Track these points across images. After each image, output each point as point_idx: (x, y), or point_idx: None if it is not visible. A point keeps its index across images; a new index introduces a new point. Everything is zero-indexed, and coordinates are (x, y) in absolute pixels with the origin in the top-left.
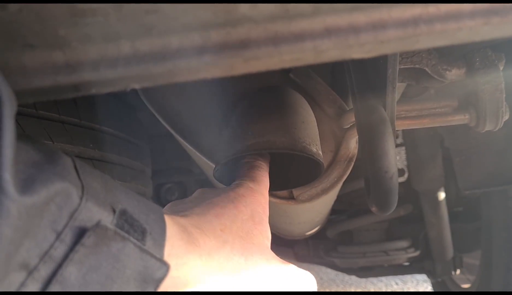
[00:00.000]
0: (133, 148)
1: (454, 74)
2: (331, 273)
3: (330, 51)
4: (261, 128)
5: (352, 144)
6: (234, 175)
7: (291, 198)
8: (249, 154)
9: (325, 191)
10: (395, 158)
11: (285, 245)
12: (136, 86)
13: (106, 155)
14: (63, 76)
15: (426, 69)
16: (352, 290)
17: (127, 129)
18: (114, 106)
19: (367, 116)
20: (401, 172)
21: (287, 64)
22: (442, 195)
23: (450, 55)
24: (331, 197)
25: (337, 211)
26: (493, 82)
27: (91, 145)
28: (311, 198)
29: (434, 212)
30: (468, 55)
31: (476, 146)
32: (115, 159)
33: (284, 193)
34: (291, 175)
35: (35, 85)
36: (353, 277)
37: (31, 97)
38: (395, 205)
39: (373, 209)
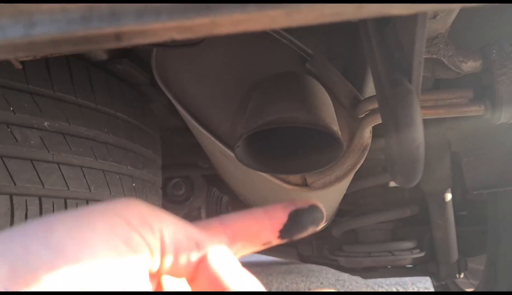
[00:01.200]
0: (145, 137)
1: (470, 66)
2: (331, 278)
3: (371, 7)
4: (284, 105)
5: (366, 134)
6: (255, 155)
7: (304, 185)
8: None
9: (338, 179)
10: (422, 128)
11: (288, 245)
12: (178, 36)
13: (120, 140)
14: (106, 24)
15: (443, 59)
16: None
17: (140, 117)
18: (129, 93)
19: (393, 88)
20: None
21: (327, 19)
22: (449, 197)
23: (466, 47)
24: (342, 187)
25: (343, 212)
26: (509, 73)
27: (105, 129)
28: (324, 186)
29: (441, 214)
30: (484, 47)
31: (485, 146)
32: (128, 146)
33: (297, 179)
34: (306, 159)
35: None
36: (354, 283)
37: (73, 46)
38: (420, 176)
39: (398, 180)
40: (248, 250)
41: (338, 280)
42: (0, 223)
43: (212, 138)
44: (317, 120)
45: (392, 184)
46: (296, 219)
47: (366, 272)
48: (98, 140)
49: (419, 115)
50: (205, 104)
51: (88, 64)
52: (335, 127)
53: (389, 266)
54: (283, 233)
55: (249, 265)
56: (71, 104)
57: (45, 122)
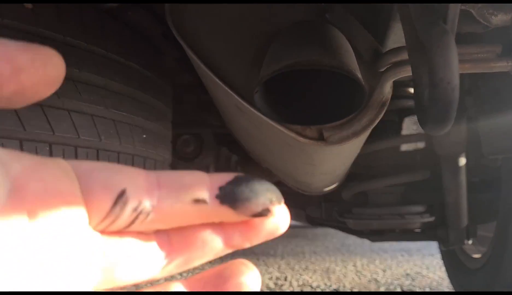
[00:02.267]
0: (157, 89)
1: (499, 19)
2: (337, 243)
3: None
4: (306, 49)
5: (387, 89)
6: (272, 105)
7: (320, 139)
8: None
9: (356, 134)
10: (458, 71)
11: (297, 207)
12: None
13: (131, 90)
14: None
15: (472, 11)
16: (357, 260)
17: (152, 69)
18: (141, 44)
19: (428, 30)
20: (419, 137)
21: None
22: (463, 161)
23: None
24: (358, 144)
25: (354, 175)
26: None
27: (117, 78)
28: (341, 141)
29: (453, 178)
30: None
31: (503, 110)
32: (140, 96)
33: (313, 133)
34: (325, 111)
35: None
36: (358, 248)
37: None
38: (453, 121)
39: (429, 126)
40: (171, 202)
41: (344, 244)
42: None
43: (227, 90)
44: (341, 64)
45: (404, 147)
46: (244, 182)
47: (374, 235)
48: (109, 89)
49: (455, 57)
50: (220, 56)
51: (100, 11)
52: (359, 74)
53: (398, 230)
54: (224, 191)
55: None
56: (81, 51)
57: None
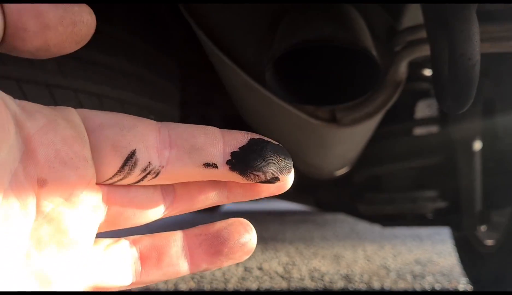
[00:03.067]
0: (164, 68)
1: None
2: (346, 228)
3: None
4: (320, 25)
5: (402, 68)
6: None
7: (332, 120)
8: (305, 47)
9: (369, 116)
10: (479, 46)
11: (307, 192)
12: None
13: (138, 70)
14: None
15: None
16: (366, 246)
17: (159, 47)
18: (148, 21)
19: (448, 3)
20: (433, 121)
21: None
22: (478, 145)
23: None
24: (371, 126)
25: (366, 159)
26: None
27: (123, 57)
28: (354, 122)
29: (468, 162)
30: None
31: None
32: (147, 76)
33: (325, 114)
34: (337, 91)
35: None
36: (368, 234)
37: None
38: (472, 99)
39: (448, 104)
40: (181, 165)
41: (353, 230)
42: None
43: (237, 69)
44: (356, 41)
45: (418, 131)
46: (258, 147)
47: (386, 220)
48: (116, 68)
49: (477, 32)
50: (228, 32)
51: None
52: (374, 52)
53: (410, 216)
54: (236, 157)
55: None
56: None
57: None
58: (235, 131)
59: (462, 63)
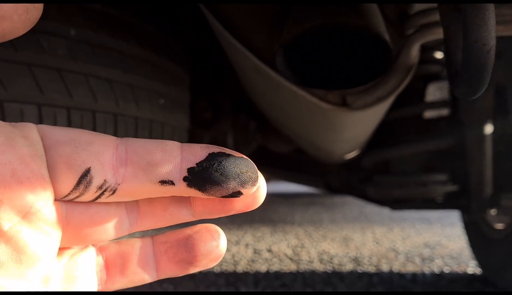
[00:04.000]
0: (174, 52)
1: None
2: (355, 210)
3: None
4: (331, 10)
5: (414, 52)
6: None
7: (343, 104)
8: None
9: (380, 100)
10: (495, 31)
11: (316, 175)
12: None
13: (148, 54)
14: None
15: None
16: (375, 229)
17: (169, 31)
18: (157, 6)
19: None
20: (443, 104)
21: None
22: (489, 129)
23: None
24: (382, 110)
25: (376, 143)
26: None
27: (133, 41)
28: (364, 106)
29: (478, 146)
30: None
31: None
32: (158, 61)
33: (336, 98)
34: (348, 75)
35: None
36: (377, 216)
37: None
38: (486, 85)
39: (461, 90)
40: (136, 182)
41: (362, 213)
42: None
43: (247, 53)
44: (368, 25)
45: (429, 114)
46: (217, 161)
47: (395, 203)
48: (126, 52)
49: (492, 17)
50: (239, 17)
51: None
52: (387, 37)
53: (419, 199)
54: (192, 174)
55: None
56: (97, 13)
57: (72, 31)
58: (195, 145)
59: (476, 49)
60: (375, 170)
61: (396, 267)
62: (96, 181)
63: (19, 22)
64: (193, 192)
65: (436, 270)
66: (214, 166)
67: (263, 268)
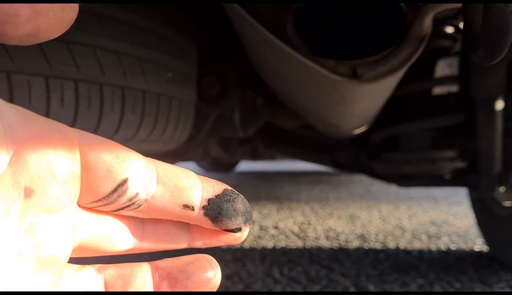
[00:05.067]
0: (182, 25)
1: None
2: (361, 189)
3: None
4: None
5: (427, 22)
6: (304, 36)
7: (353, 76)
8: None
9: (392, 71)
10: None
11: (324, 151)
12: None
13: (156, 26)
14: None
15: None
16: (382, 206)
17: (177, 4)
18: None
19: None
20: (453, 80)
21: None
22: (500, 105)
23: None
24: (392, 83)
25: (384, 119)
26: None
27: (141, 13)
28: (375, 78)
29: (488, 122)
30: None
31: None
32: (165, 33)
33: (346, 70)
34: (360, 45)
35: None
36: (383, 194)
37: None
38: (507, 49)
39: (479, 53)
40: (164, 201)
41: (369, 191)
42: (37, 105)
43: (255, 24)
44: None
45: (438, 90)
46: (231, 198)
47: (403, 180)
48: (133, 25)
49: None
50: None
51: None
52: (402, 3)
53: (427, 176)
54: (212, 204)
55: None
56: None
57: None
58: (211, 179)
59: (497, 11)
60: (383, 146)
61: (403, 244)
62: (130, 192)
63: (54, 20)
64: (204, 221)
65: (442, 247)
66: (229, 201)
67: (269, 244)
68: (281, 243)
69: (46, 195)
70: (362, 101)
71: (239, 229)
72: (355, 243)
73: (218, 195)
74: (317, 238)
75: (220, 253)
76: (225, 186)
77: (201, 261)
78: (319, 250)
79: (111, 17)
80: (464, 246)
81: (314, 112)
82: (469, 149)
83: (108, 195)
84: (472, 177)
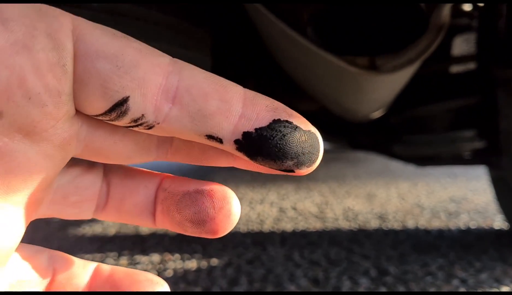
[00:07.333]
0: (196, 15)
1: None
2: (379, 166)
3: None
4: None
5: (445, 11)
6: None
7: (372, 67)
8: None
9: (410, 62)
10: None
11: (340, 132)
12: None
13: (169, 19)
14: None
15: None
16: (400, 184)
17: None
18: None
19: None
20: (469, 58)
21: None
22: None
23: None
24: (411, 71)
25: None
26: None
27: (154, 8)
28: (394, 69)
29: (509, 102)
30: None
31: None
32: (176, 24)
33: (364, 62)
34: (379, 40)
35: None
36: (401, 172)
37: None
38: None
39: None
40: (178, 132)
41: (386, 168)
42: None
43: (278, 22)
44: None
45: (455, 69)
46: (280, 133)
47: (421, 160)
48: (147, 18)
49: None
50: None
51: None
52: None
53: (446, 155)
54: (247, 140)
55: None
56: None
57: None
58: (261, 101)
59: None
60: (402, 127)
61: (422, 223)
62: (133, 113)
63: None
64: (239, 154)
65: (462, 225)
66: (275, 139)
67: (288, 226)
68: (300, 225)
69: (18, 119)
70: (380, 90)
71: (290, 171)
72: (374, 223)
73: (261, 127)
74: (336, 219)
75: (240, 237)
76: (278, 115)
77: (216, 191)
78: (338, 231)
79: (125, 14)
80: (483, 223)
81: (331, 98)
82: (489, 127)
83: (104, 114)
84: (492, 156)
